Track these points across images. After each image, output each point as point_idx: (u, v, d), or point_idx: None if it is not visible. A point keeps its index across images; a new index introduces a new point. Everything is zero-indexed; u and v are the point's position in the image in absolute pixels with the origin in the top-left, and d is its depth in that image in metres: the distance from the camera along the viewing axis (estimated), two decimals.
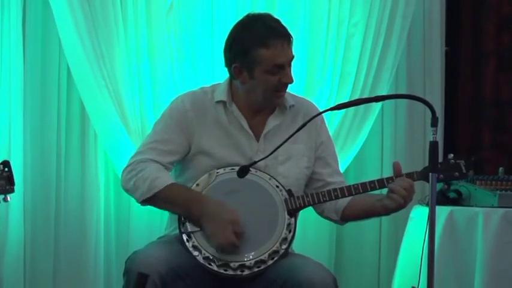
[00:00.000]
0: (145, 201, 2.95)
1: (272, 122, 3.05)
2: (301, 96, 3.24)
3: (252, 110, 3.05)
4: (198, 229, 2.89)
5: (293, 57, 2.99)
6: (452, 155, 3.06)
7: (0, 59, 4.27)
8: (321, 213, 3.15)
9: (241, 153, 3.00)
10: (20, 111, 4.30)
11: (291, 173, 3.03)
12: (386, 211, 2.99)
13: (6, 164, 2.77)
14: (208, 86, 3.12)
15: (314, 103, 3.23)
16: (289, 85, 3.07)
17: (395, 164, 3.00)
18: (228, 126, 3.02)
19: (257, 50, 2.93)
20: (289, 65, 2.98)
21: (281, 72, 2.95)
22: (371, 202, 3.03)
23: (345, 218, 3.11)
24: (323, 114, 3.04)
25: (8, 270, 4.25)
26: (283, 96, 3.03)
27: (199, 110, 3.02)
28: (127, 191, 2.99)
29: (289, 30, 3.00)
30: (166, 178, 2.94)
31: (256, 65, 2.94)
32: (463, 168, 3.05)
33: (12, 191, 2.77)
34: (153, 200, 2.93)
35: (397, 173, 2.98)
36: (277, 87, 2.98)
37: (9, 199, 2.78)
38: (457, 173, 3.05)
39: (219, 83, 3.09)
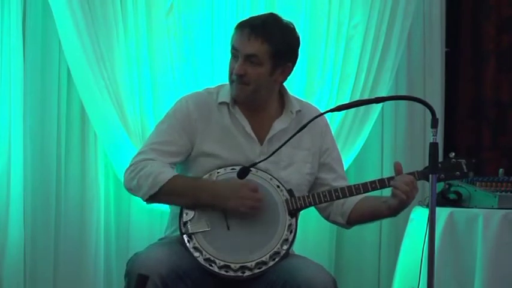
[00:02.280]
0: (150, 198, 2.93)
1: (277, 126, 3.03)
2: (307, 101, 3.22)
3: (254, 110, 3.03)
4: (200, 230, 2.89)
5: (252, 55, 2.93)
6: (453, 154, 3.04)
7: (0, 60, 4.26)
8: (327, 217, 3.14)
9: (243, 156, 2.99)
10: (20, 111, 4.30)
11: (293, 179, 3.02)
12: (390, 211, 2.97)
13: None
14: (214, 87, 3.11)
15: (319, 108, 3.19)
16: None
17: (397, 164, 2.99)
18: (231, 128, 3.02)
19: (234, 29, 3.00)
20: (244, 59, 2.94)
21: (236, 62, 2.96)
22: (376, 203, 3.03)
23: (351, 221, 3.11)
24: (325, 117, 3.04)
25: (8, 270, 4.25)
26: (236, 89, 2.99)
27: (203, 111, 3.02)
28: (130, 190, 2.97)
29: (271, 34, 2.94)
30: (169, 172, 2.93)
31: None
32: (464, 167, 3.03)
33: None
34: (158, 195, 2.91)
35: (398, 173, 2.97)
36: (230, 77, 2.99)
37: None
38: (458, 173, 3.03)
39: (224, 84, 3.08)
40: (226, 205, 2.88)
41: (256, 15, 3.05)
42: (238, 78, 2.96)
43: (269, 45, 2.94)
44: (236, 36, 2.97)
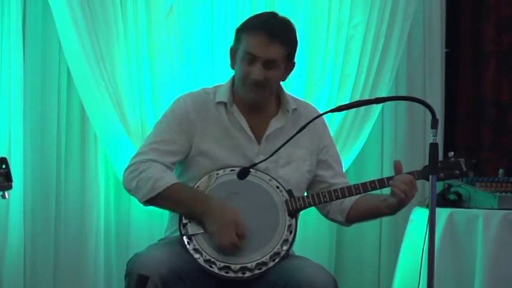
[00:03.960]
0: (148, 201, 2.94)
1: (274, 124, 3.04)
2: (303, 100, 3.23)
3: (252, 110, 3.03)
4: (199, 232, 2.89)
5: (272, 60, 2.94)
6: (452, 153, 3.05)
7: (0, 60, 4.26)
8: (326, 215, 3.15)
9: (242, 155, 3.00)
10: (20, 112, 4.30)
11: (292, 177, 3.03)
12: (390, 209, 2.98)
13: (3, 160, 2.78)
14: (211, 87, 3.12)
15: (316, 107, 3.22)
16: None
17: (396, 162, 2.99)
18: (229, 127, 3.02)
19: (244, 34, 2.97)
20: (263, 64, 2.94)
21: (252, 66, 2.95)
22: (376, 202, 3.03)
23: (350, 219, 3.11)
24: (324, 117, 3.04)
25: (8, 270, 4.25)
26: (254, 93, 2.99)
27: (201, 110, 3.02)
28: (129, 191, 2.98)
29: (287, 36, 2.97)
30: (170, 178, 2.93)
31: (239, 48, 2.97)
32: (463, 166, 3.03)
33: (10, 187, 2.78)
34: (156, 199, 2.92)
35: (398, 171, 2.97)
36: (244, 81, 2.98)
37: (7, 196, 2.78)
38: (457, 171, 3.04)
39: (221, 84, 3.09)
40: (211, 228, 2.87)
41: (263, 16, 3.01)
42: (256, 83, 2.96)
43: (285, 48, 2.97)
44: (252, 41, 2.94)
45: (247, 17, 3.08)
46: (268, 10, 4.37)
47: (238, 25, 3.05)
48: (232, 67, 3.04)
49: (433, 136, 2.73)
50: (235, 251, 2.86)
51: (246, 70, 2.96)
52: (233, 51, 3.02)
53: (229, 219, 2.86)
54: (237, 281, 2.87)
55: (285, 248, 2.90)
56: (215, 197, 2.91)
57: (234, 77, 3.06)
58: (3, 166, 2.77)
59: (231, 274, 2.85)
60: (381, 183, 3.00)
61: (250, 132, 3.02)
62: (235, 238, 2.85)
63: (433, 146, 2.74)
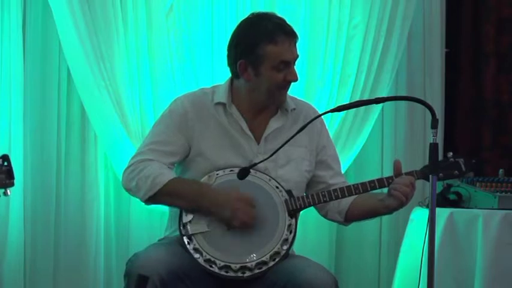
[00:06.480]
0: (149, 200, 2.94)
1: (273, 124, 3.05)
2: (302, 99, 3.24)
3: (253, 111, 3.04)
4: (199, 231, 2.89)
5: (297, 56, 3.00)
6: (451, 153, 3.05)
7: (0, 60, 4.26)
8: (325, 215, 3.16)
9: (242, 156, 3.00)
10: (20, 112, 4.30)
11: (291, 177, 3.03)
12: (388, 210, 3.00)
13: (5, 158, 2.78)
14: (209, 87, 3.12)
15: (314, 106, 3.23)
16: (290, 86, 3.08)
17: (396, 162, 3.00)
18: (228, 128, 3.02)
19: (265, 46, 2.94)
20: (294, 64, 2.99)
21: (286, 69, 2.96)
22: (373, 202, 3.04)
23: (349, 218, 3.12)
24: (323, 117, 3.05)
25: (8, 270, 4.25)
26: (285, 94, 3.03)
27: (199, 111, 3.02)
28: (129, 190, 2.98)
29: (295, 29, 3.01)
30: (169, 174, 2.94)
31: (263, 61, 2.94)
32: (463, 166, 3.04)
33: (12, 184, 2.78)
34: (157, 196, 2.92)
35: (397, 170, 2.98)
36: (281, 85, 2.99)
37: (9, 193, 2.78)
38: (456, 172, 3.04)
39: (219, 85, 3.09)
40: (223, 215, 2.89)
41: (269, 20, 2.99)
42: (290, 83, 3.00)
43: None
44: (281, 49, 2.94)
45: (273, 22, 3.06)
46: (268, 10, 4.40)
47: (241, 38, 3.00)
48: (248, 79, 2.99)
49: (433, 136, 2.74)
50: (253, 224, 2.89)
51: (282, 76, 2.97)
52: (246, 64, 2.97)
53: (234, 197, 2.88)
54: (237, 281, 2.87)
55: (285, 247, 2.90)
56: (217, 187, 2.92)
57: (232, 78, 3.06)
58: (5, 163, 2.77)
59: (231, 273, 2.86)
60: (381, 183, 3.01)
61: (249, 133, 3.03)
62: (250, 210, 2.88)
63: (433, 146, 2.74)
